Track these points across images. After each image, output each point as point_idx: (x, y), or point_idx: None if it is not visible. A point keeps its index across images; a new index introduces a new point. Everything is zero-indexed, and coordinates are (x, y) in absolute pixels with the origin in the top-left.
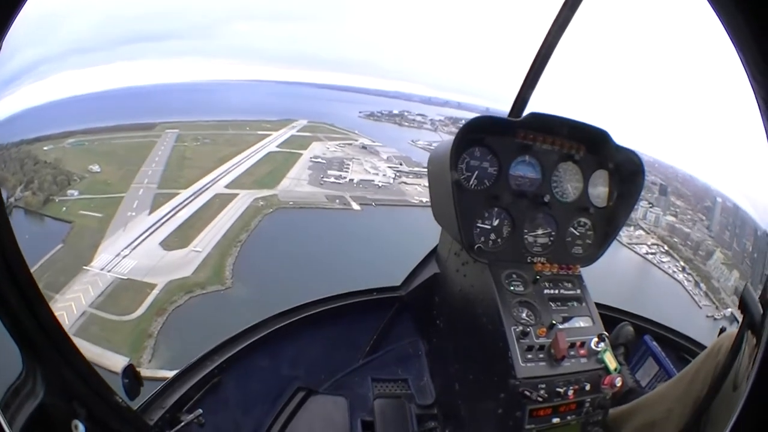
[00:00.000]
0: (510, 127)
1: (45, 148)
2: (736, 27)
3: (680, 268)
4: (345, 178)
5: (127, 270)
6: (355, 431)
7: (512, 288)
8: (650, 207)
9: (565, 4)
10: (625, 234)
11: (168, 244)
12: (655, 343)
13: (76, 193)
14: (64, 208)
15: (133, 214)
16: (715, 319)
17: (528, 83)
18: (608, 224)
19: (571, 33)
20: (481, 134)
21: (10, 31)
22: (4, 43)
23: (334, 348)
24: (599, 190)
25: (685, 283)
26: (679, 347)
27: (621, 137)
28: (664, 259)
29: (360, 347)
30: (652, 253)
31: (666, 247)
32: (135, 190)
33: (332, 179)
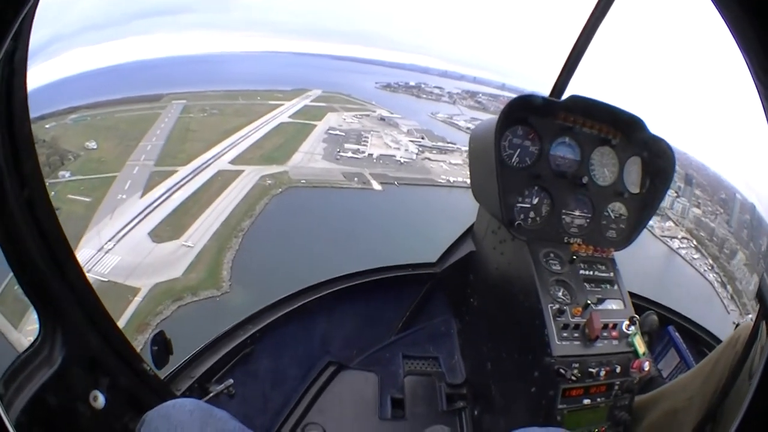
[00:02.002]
0: (552, 108)
1: (47, 126)
2: (739, 27)
3: (709, 266)
4: (363, 152)
5: (109, 269)
6: (384, 408)
7: (550, 266)
8: (677, 197)
9: None
10: (657, 226)
11: (158, 234)
12: (677, 334)
13: (67, 174)
14: (53, 193)
15: (124, 197)
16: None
17: (569, 64)
18: (641, 210)
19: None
20: (524, 113)
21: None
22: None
23: (367, 323)
24: (633, 177)
25: (716, 284)
26: (700, 341)
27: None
28: (695, 256)
29: (392, 323)
30: (683, 248)
31: (695, 242)
32: (130, 168)
33: (349, 154)
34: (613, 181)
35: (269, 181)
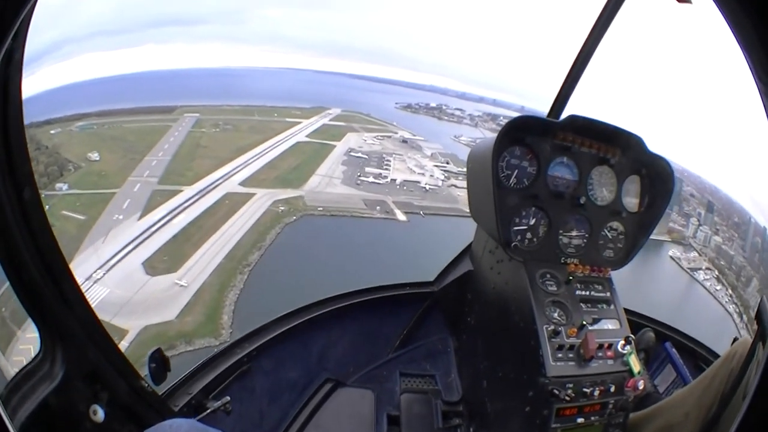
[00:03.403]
0: (550, 128)
1: (52, 131)
2: (741, 27)
3: (729, 296)
4: (386, 177)
5: (95, 303)
6: (380, 425)
7: (546, 287)
8: (699, 226)
9: (605, 8)
10: (683, 257)
11: (153, 265)
12: (674, 350)
13: (65, 186)
14: (47, 207)
15: (120, 217)
16: None
17: (567, 85)
18: (639, 229)
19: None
20: (522, 133)
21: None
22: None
23: (364, 341)
24: (632, 196)
25: (735, 315)
26: (697, 356)
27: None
28: (718, 287)
29: (390, 341)
30: (707, 279)
31: (716, 273)
32: (131, 184)
33: (371, 179)
34: (611, 201)
35: (282, 207)
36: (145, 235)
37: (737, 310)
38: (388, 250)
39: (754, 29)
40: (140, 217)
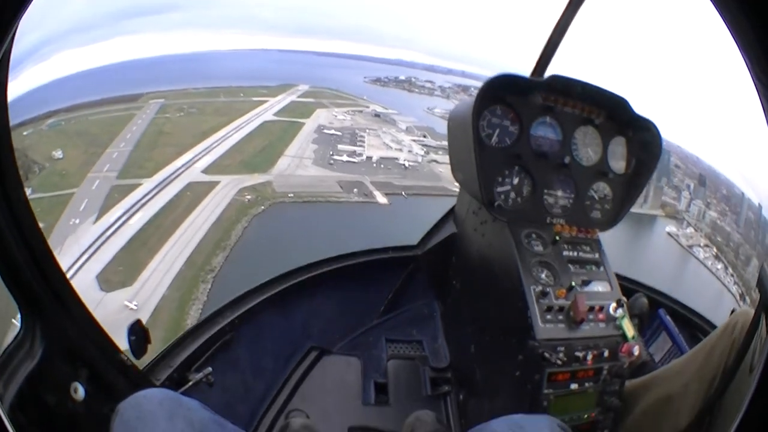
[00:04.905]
0: (532, 87)
1: (24, 133)
2: (738, 26)
3: (731, 276)
4: (361, 155)
5: None
6: (367, 392)
7: (532, 248)
8: (692, 199)
9: None
10: (681, 234)
11: (107, 278)
12: (669, 317)
13: (28, 191)
14: None
15: (77, 221)
16: None
17: (551, 44)
18: (626, 191)
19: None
20: (502, 92)
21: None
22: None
23: (349, 307)
24: (618, 157)
25: (737, 296)
26: (693, 325)
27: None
28: (718, 266)
29: (375, 307)
30: (708, 258)
31: (715, 250)
32: (90, 182)
33: (345, 158)
34: (596, 161)
35: (249, 196)
36: (101, 241)
37: (740, 291)
38: (370, 239)
39: (753, 32)
40: (96, 220)
